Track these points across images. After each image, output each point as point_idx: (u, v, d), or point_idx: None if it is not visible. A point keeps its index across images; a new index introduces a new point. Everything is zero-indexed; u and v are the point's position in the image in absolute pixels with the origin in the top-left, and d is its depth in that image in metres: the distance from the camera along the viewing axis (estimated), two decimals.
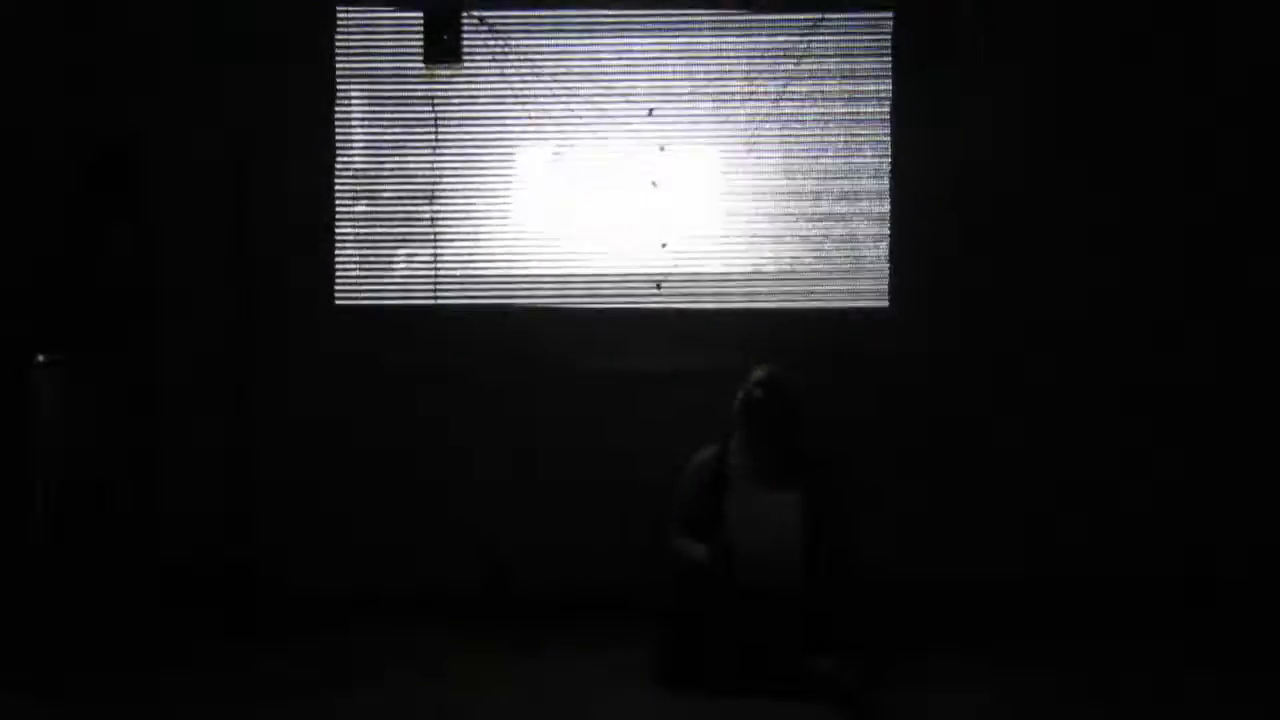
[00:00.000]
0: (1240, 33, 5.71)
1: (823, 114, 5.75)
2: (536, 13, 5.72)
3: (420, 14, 5.63)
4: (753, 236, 5.80)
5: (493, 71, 5.74)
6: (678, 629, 4.76)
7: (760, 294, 5.78)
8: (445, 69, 5.69)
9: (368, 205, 5.81)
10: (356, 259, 5.81)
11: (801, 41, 5.73)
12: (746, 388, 5.05)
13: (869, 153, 5.77)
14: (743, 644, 4.68)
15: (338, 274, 5.80)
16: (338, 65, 5.76)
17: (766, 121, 5.75)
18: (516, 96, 5.75)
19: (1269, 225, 5.76)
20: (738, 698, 4.58)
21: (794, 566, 4.78)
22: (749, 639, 4.68)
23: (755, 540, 4.80)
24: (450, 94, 5.76)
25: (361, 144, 5.80)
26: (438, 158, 5.77)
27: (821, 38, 5.73)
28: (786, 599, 4.74)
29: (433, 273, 5.79)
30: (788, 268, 5.79)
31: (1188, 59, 5.73)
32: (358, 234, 5.81)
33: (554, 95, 5.74)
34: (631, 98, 5.74)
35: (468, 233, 5.80)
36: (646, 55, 5.75)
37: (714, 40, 5.74)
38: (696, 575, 4.83)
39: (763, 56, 5.74)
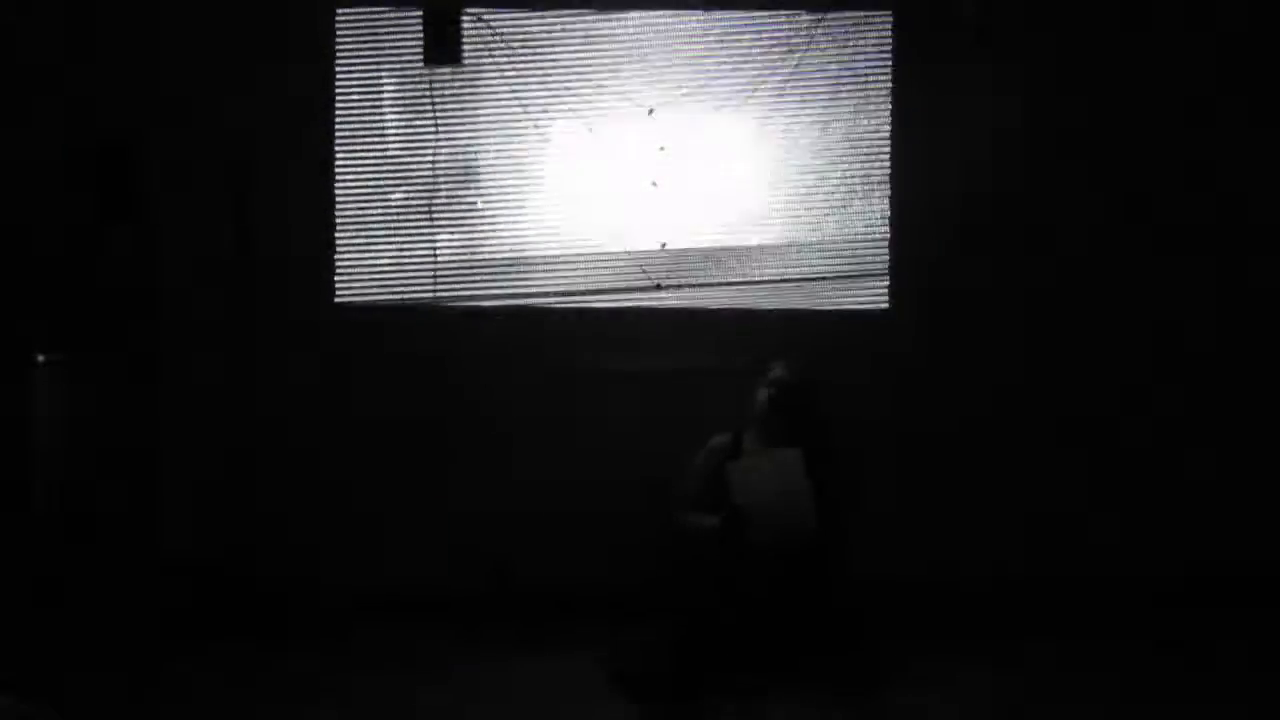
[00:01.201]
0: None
1: (823, 114, 5.75)
2: (537, 12, 5.72)
3: (420, 13, 5.62)
4: (753, 236, 5.80)
5: (493, 71, 5.74)
6: (686, 622, 4.74)
7: (760, 293, 5.78)
8: (445, 68, 5.69)
9: (367, 204, 5.81)
10: (356, 258, 5.81)
11: (802, 41, 5.73)
12: (766, 384, 5.06)
13: (869, 152, 5.76)
14: (748, 633, 4.67)
15: (338, 273, 5.79)
16: (337, 65, 5.75)
17: (767, 121, 5.75)
18: (516, 96, 5.75)
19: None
20: (739, 699, 4.57)
21: (806, 517, 4.77)
22: (761, 601, 4.67)
23: (764, 497, 4.82)
24: (450, 93, 5.76)
25: (361, 144, 5.79)
26: (437, 157, 5.77)
27: (822, 37, 5.73)
28: (799, 556, 4.75)
29: (432, 271, 5.79)
30: (788, 267, 5.79)
31: (1189, 58, 5.73)
32: (358, 233, 5.80)
33: (555, 94, 5.74)
34: (631, 98, 5.74)
35: (468, 232, 5.80)
36: (646, 55, 5.74)
37: (714, 40, 5.73)
38: (709, 543, 4.82)
39: (763, 56, 5.73)
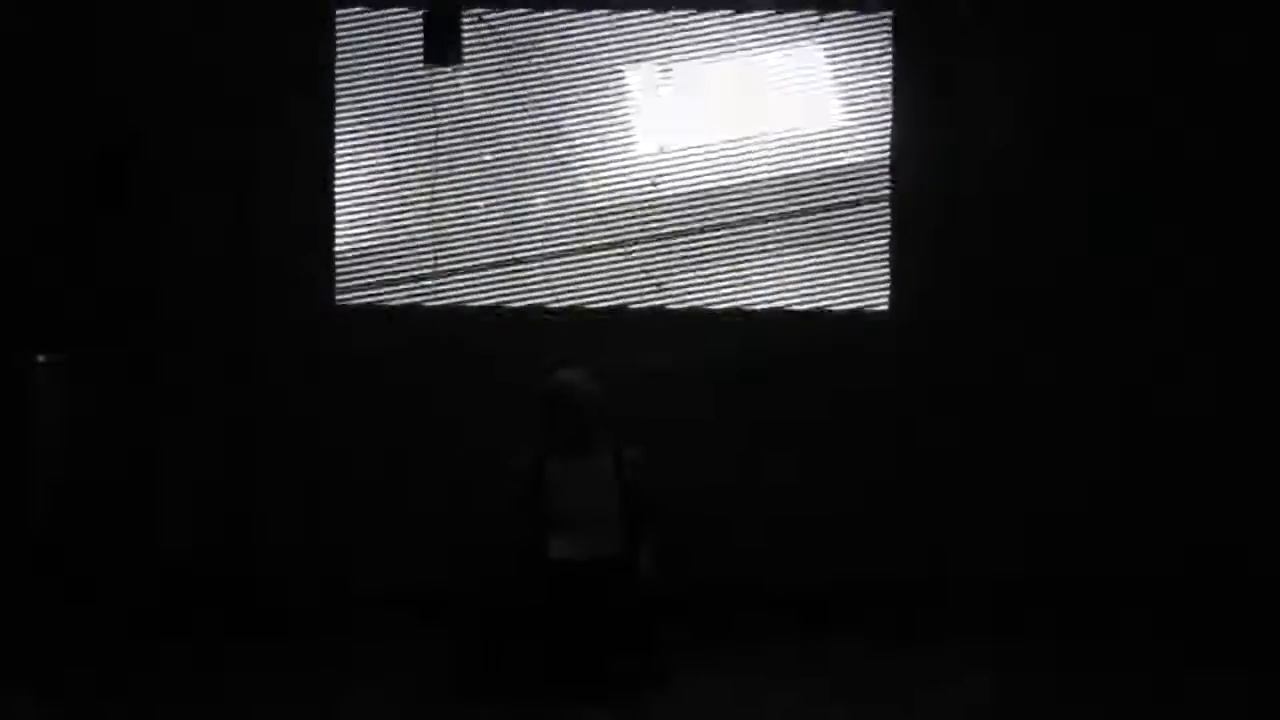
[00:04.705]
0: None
1: (822, 114, 5.75)
2: (537, 13, 5.72)
3: (420, 14, 5.62)
4: (752, 236, 5.80)
5: (493, 71, 5.74)
6: (487, 618, 4.75)
7: (759, 294, 5.78)
8: (445, 68, 5.69)
9: (367, 204, 5.81)
10: (356, 258, 5.81)
11: (802, 41, 5.73)
12: (542, 396, 5.03)
13: (868, 152, 5.76)
14: (551, 634, 4.68)
15: (338, 273, 5.79)
16: (338, 65, 5.75)
17: (766, 121, 5.75)
18: (516, 95, 5.75)
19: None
20: (540, 703, 4.57)
21: (611, 524, 4.83)
22: (566, 605, 4.69)
23: (575, 507, 4.84)
24: (450, 93, 5.76)
25: (361, 143, 5.80)
26: (437, 157, 5.77)
27: (822, 37, 5.73)
28: (603, 563, 4.78)
29: (433, 272, 5.79)
30: (787, 268, 5.79)
31: (1187, 56, 5.73)
32: (358, 233, 5.81)
33: (554, 93, 5.74)
34: (629, 96, 5.74)
35: (467, 232, 5.80)
36: (646, 54, 5.74)
37: (715, 39, 5.74)
38: (515, 548, 4.85)
39: (763, 56, 5.73)
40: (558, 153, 5.77)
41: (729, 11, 5.71)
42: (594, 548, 4.82)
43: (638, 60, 5.74)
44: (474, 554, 5.04)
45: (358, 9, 5.73)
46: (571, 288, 5.79)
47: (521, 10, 5.71)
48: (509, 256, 5.80)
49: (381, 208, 5.81)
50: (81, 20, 5.65)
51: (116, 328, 5.61)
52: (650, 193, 5.75)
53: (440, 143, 5.76)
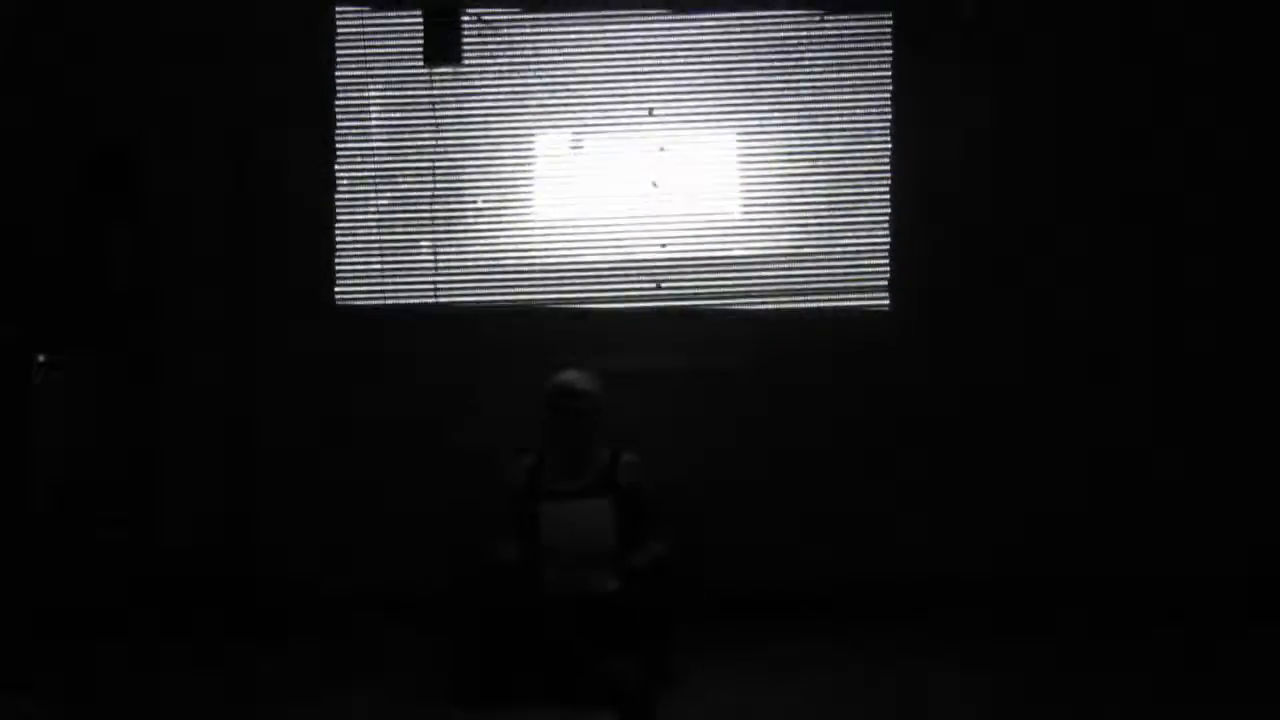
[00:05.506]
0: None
1: (823, 114, 5.75)
2: (537, 13, 5.72)
3: (420, 13, 5.62)
4: (752, 236, 5.80)
5: (493, 71, 5.74)
6: (482, 634, 4.71)
7: (760, 293, 5.78)
8: (445, 68, 5.69)
9: (368, 205, 5.81)
10: (357, 259, 5.81)
11: (802, 41, 5.74)
12: (546, 396, 5.04)
13: (869, 153, 5.76)
14: (546, 647, 4.65)
15: (338, 274, 5.79)
16: (337, 65, 5.75)
17: (767, 121, 5.76)
18: (517, 96, 5.75)
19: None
20: (540, 703, 4.53)
21: (605, 568, 4.81)
22: (555, 640, 4.66)
23: (567, 544, 4.83)
24: (450, 94, 5.76)
25: (361, 144, 5.80)
26: (438, 157, 5.78)
27: (822, 38, 5.74)
28: (596, 599, 4.75)
29: (433, 272, 5.79)
30: (787, 267, 5.79)
31: (1187, 58, 5.73)
32: (358, 234, 5.81)
33: (554, 94, 5.74)
34: (631, 97, 5.74)
35: (468, 232, 5.80)
36: (647, 55, 5.75)
37: (715, 40, 5.74)
38: (505, 577, 4.81)
39: (763, 56, 5.74)
40: (558, 153, 5.78)
41: (731, 11, 5.71)
42: (586, 584, 4.79)
43: (637, 59, 5.74)
44: (470, 557, 5.02)
45: (358, 9, 5.73)
46: (572, 287, 5.79)
47: (521, 10, 5.71)
48: (510, 256, 5.80)
49: (381, 207, 5.81)
50: (81, 23, 5.65)
51: (116, 328, 5.61)
52: (652, 190, 5.77)
53: (440, 142, 5.76)
